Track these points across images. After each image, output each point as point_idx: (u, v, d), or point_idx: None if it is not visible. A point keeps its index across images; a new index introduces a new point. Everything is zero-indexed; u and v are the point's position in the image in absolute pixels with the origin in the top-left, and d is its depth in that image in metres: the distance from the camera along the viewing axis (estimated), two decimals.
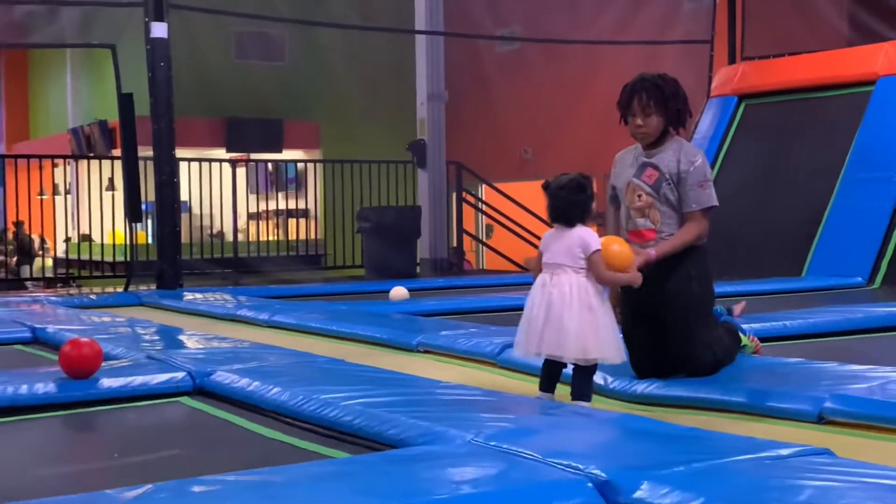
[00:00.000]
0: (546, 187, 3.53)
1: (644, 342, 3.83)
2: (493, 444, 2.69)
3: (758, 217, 9.31)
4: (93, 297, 8.56)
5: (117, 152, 11.22)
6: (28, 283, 12.18)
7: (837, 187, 9.02)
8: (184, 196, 11.05)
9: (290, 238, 13.15)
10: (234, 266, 11.72)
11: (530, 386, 3.86)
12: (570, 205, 3.47)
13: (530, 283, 3.58)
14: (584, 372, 3.50)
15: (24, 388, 3.77)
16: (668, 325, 3.81)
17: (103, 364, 4.11)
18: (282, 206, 14.00)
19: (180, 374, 4.03)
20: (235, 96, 16.17)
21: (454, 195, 12.96)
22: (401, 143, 12.84)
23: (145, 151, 9.36)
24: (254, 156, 15.62)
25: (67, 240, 15.50)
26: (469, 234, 13.48)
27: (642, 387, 3.74)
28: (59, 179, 16.60)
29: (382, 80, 16.18)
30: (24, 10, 16.30)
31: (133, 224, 9.59)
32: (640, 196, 3.85)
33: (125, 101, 9.11)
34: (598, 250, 3.44)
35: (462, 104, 14.89)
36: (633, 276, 3.57)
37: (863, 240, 8.54)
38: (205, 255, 11.76)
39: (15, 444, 3.34)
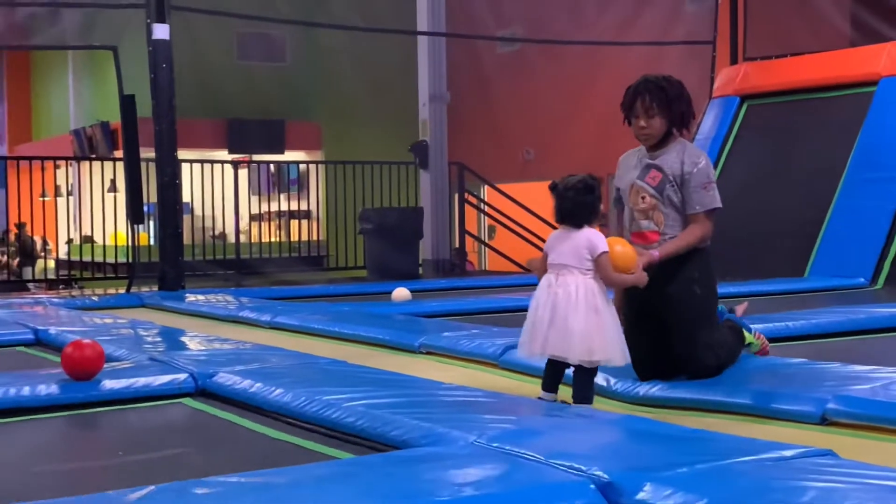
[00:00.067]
0: (553, 188, 3.52)
1: (647, 344, 3.83)
2: (495, 445, 2.69)
3: (760, 218, 9.30)
4: (95, 298, 8.56)
5: (119, 154, 11.24)
6: (30, 285, 12.19)
7: (840, 188, 9.01)
8: (186, 197, 11.04)
9: (292, 239, 13.15)
10: (236, 267, 11.73)
11: (532, 387, 3.86)
12: (577, 206, 3.46)
13: (533, 284, 3.58)
14: (586, 374, 3.49)
15: (26, 390, 3.78)
16: (671, 327, 3.81)
17: (105, 366, 4.10)
18: (284, 207, 14.00)
19: (182, 376, 4.03)
20: (237, 97, 16.19)
21: (456, 196, 12.96)
22: (403, 144, 12.84)
23: (147, 153, 9.37)
24: (256, 157, 15.63)
25: (69, 241, 15.51)
26: (471, 235, 13.48)
27: (645, 388, 3.74)
28: (61, 181, 16.60)
29: (384, 81, 16.19)
30: (27, 12, 16.31)
31: (135, 225, 9.59)
32: (643, 198, 3.85)
33: (127, 103, 9.12)
34: (606, 252, 3.43)
35: (464, 105, 14.90)
36: (640, 277, 3.57)
37: (865, 240, 8.53)
38: (207, 257, 11.76)
39: (17, 445, 3.34)
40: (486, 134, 15.85)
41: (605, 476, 2.34)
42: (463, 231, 12.99)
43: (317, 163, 14.20)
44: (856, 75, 9.50)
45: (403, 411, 3.16)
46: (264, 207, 15.51)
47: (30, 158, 11.69)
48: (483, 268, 15.88)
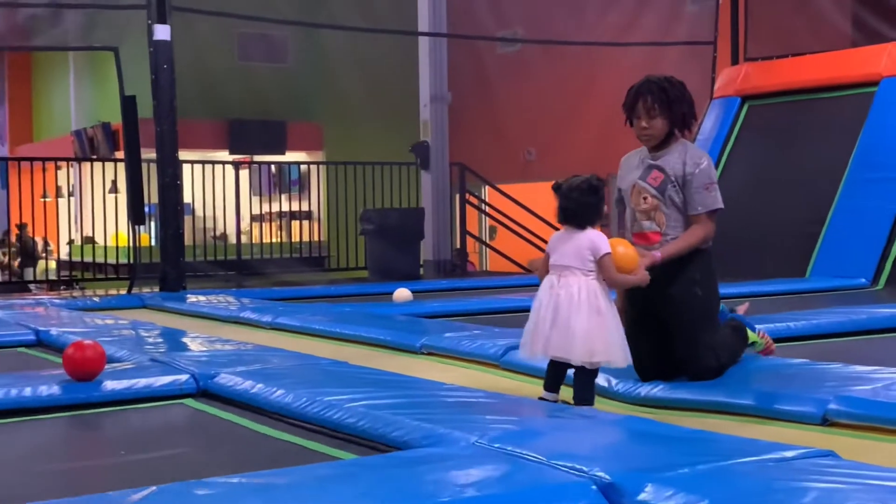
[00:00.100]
0: (557, 188, 3.52)
1: (648, 345, 3.83)
2: (496, 446, 2.69)
3: (761, 218, 9.30)
4: (96, 299, 8.56)
5: (120, 154, 11.23)
6: (31, 286, 12.20)
7: (841, 188, 9.01)
8: (187, 198, 11.05)
9: (293, 240, 13.15)
10: (238, 268, 11.73)
11: (534, 388, 3.86)
12: (581, 207, 3.47)
13: (534, 285, 3.58)
14: (587, 375, 3.49)
15: (27, 391, 3.78)
16: (672, 329, 3.81)
17: (107, 366, 4.11)
18: (285, 207, 14.01)
19: (184, 377, 4.03)
20: (238, 98, 16.19)
21: (457, 197, 12.96)
22: (404, 145, 12.84)
23: (148, 154, 9.37)
24: (257, 158, 15.64)
25: (70, 242, 15.51)
26: (472, 236, 13.48)
27: (646, 389, 3.74)
28: (62, 182, 16.63)
29: (385, 81, 16.19)
30: (28, 13, 16.32)
31: (136, 226, 9.59)
32: (645, 198, 3.85)
33: (128, 104, 9.12)
34: (609, 253, 3.43)
35: (465, 106, 14.90)
36: (642, 277, 3.57)
37: (867, 241, 8.53)
38: (208, 258, 11.77)
39: (19, 446, 3.34)
40: (487, 134, 15.85)
41: (607, 477, 2.34)
42: (464, 232, 12.99)
43: (318, 163, 14.20)
44: (857, 76, 9.50)
45: (405, 412, 3.16)
46: (265, 208, 15.51)
47: (31, 159, 11.70)
48: (484, 268, 15.89)
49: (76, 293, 10.31)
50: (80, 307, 7.79)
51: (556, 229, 3.62)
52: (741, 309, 4.33)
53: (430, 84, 12.30)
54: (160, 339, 5.38)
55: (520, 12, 15.08)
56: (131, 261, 9.90)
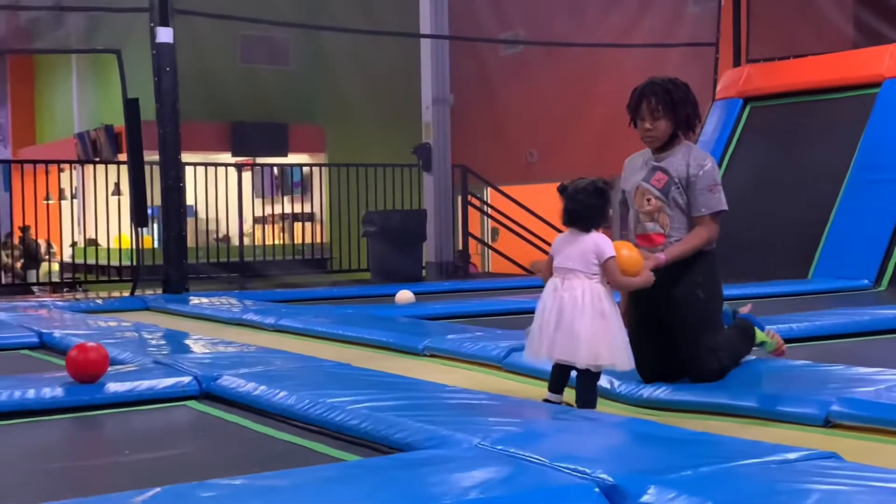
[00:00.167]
0: (563, 190, 3.52)
1: (651, 347, 3.83)
2: (499, 448, 2.70)
3: (764, 219, 9.30)
4: (99, 301, 8.57)
5: (123, 157, 11.25)
6: (34, 288, 12.21)
7: (843, 189, 9.01)
8: (190, 200, 11.07)
9: (295, 242, 13.17)
10: (240, 270, 11.74)
11: (536, 390, 3.87)
12: (587, 209, 3.47)
13: (536, 287, 3.59)
14: (590, 378, 3.50)
15: (31, 393, 3.78)
16: (675, 331, 3.81)
17: (110, 369, 4.11)
18: (287, 209, 14.02)
19: (186, 379, 4.03)
20: (241, 101, 16.20)
21: (459, 198, 12.97)
22: (406, 147, 12.86)
23: (151, 156, 9.39)
24: (259, 160, 15.65)
25: (74, 244, 15.53)
26: (474, 238, 13.49)
27: (649, 391, 3.74)
28: (65, 184, 16.64)
29: (387, 83, 16.20)
30: (30, 16, 16.35)
31: (139, 228, 9.60)
32: (649, 200, 3.85)
33: (131, 107, 9.13)
34: (613, 257, 3.44)
35: (467, 108, 14.91)
36: (646, 279, 3.57)
37: (869, 242, 8.52)
38: (211, 260, 11.78)
39: (22, 447, 3.34)
40: (489, 136, 15.86)
41: (610, 479, 2.34)
42: (466, 233, 13.00)
43: (320, 165, 14.23)
44: (859, 77, 9.49)
45: (407, 414, 3.16)
46: (268, 210, 15.51)
47: (34, 162, 11.72)
48: (486, 270, 15.89)
49: (79, 295, 10.32)
50: (83, 309, 7.79)
51: (559, 231, 3.62)
52: (743, 311, 4.33)
53: (432, 86, 12.31)
54: (163, 342, 5.38)
55: (521, 14, 15.09)
56: (134, 263, 9.92)
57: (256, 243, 13.52)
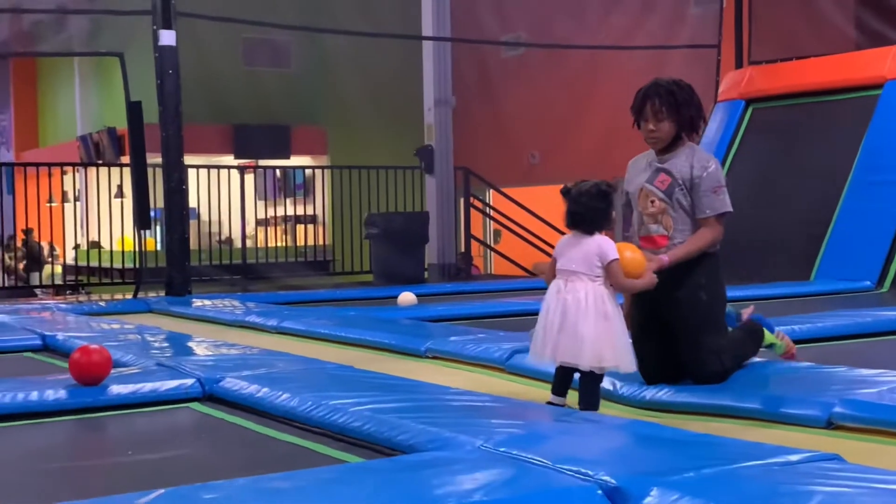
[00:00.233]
0: (566, 193, 3.52)
1: (653, 348, 3.83)
2: (502, 450, 2.70)
3: (766, 221, 9.29)
4: (102, 304, 8.58)
5: (126, 159, 11.26)
6: (37, 291, 12.23)
7: (845, 191, 9.00)
8: (192, 203, 11.07)
9: (298, 244, 13.18)
10: (243, 272, 11.75)
11: (539, 392, 3.87)
12: (590, 212, 3.47)
13: (539, 289, 3.59)
14: (592, 380, 3.50)
15: (34, 395, 3.79)
16: (677, 333, 3.81)
17: (113, 371, 4.12)
18: (290, 212, 14.03)
19: (190, 381, 4.04)
20: (243, 103, 16.22)
21: (462, 200, 12.97)
22: (408, 149, 12.86)
23: (154, 158, 9.40)
24: (262, 162, 15.66)
25: (77, 247, 15.55)
26: (477, 240, 13.48)
27: (651, 393, 3.74)
28: (68, 187, 16.66)
29: (389, 86, 16.21)
30: (33, 19, 16.37)
31: (142, 231, 9.61)
32: (652, 202, 3.85)
33: (134, 110, 9.14)
34: (617, 259, 3.44)
35: (469, 110, 14.91)
36: (650, 281, 3.58)
37: (871, 243, 8.52)
38: (213, 262, 11.78)
39: (25, 449, 3.35)
40: (491, 138, 15.86)
41: (612, 481, 2.34)
42: (468, 235, 13.00)
43: (323, 168, 14.24)
44: (861, 78, 9.49)
45: (410, 416, 3.17)
46: (270, 212, 15.51)
47: (37, 164, 11.73)
48: (489, 272, 15.89)
49: (82, 298, 10.33)
50: (86, 312, 7.80)
51: (561, 233, 3.62)
52: (746, 312, 4.33)
53: (434, 88, 12.32)
54: (166, 344, 5.39)
55: (523, 16, 15.09)
56: (137, 265, 9.93)
57: (259, 245, 13.52)
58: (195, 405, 3.93)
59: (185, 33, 9.43)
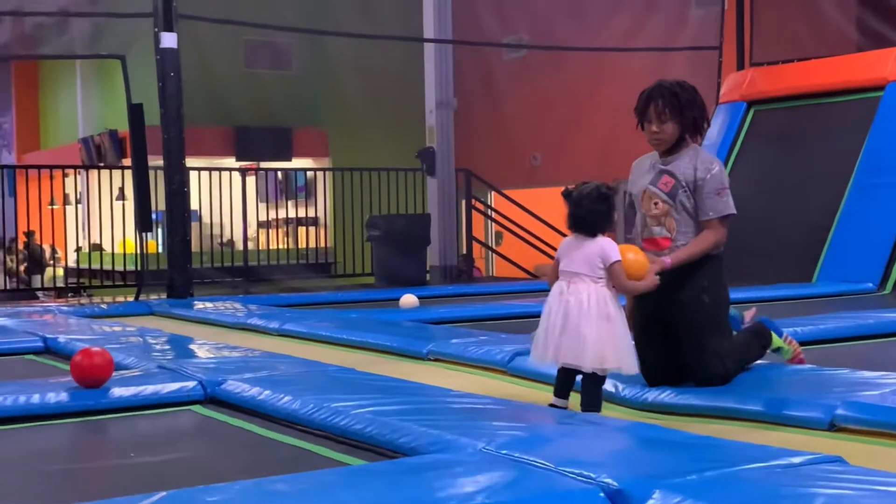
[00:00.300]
0: (568, 195, 3.52)
1: (656, 351, 3.83)
2: (504, 452, 2.70)
3: (768, 223, 9.29)
4: (104, 306, 8.58)
5: (128, 162, 11.27)
6: (39, 293, 12.23)
7: (847, 193, 9.00)
8: (194, 205, 11.08)
9: (299, 246, 13.17)
10: (245, 275, 11.75)
11: (541, 394, 3.87)
12: (592, 214, 3.47)
13: (541, 291, 3.60)
14: (595, 382, 3.50)
15: (35, 398, 3.79)
16: (680, 335, 3.81)
17: (115, 373, 4.12)
18: (291, 214, 14.03)
19: (191, 384, 4.04)
20: (245, 105, 16.23)
21: (463, 202, 12.97)
22: (410, 151, 12.86)
23: (155, 161, 9.40)
24: (263, 164, 15.66)
25: (78, 249, 15.55)
26: (478, 242, 13.48)
27: (653, 395, 3.74)
28: (69, 189, 16.66)
29: (391, 88, 16.22)
30: (35, 22, 16.40)
31: (143, 233, 9.61)
32: (656, 203, 3.85)
33: (135, 112, 9.15)
34: (619, 261, 3.44)
35: (471, 111, 14.91)
36: (651, 283, 3.58)
37: (873, 245, 8.52)
38: (215, 264, 11.78)
39: (27, 451, 3.35)
40: (492, 140, 15.87)
41: (615, 483, 2.34)
42: (470, 237, 13.00)
43: (324, 170, 14.24)
44: (863, 80, 9.49)
45: (412, 418, 3.17)
46: (272, 214, 15.52)
47: (38, 167, 11.74)
48: (490, 274, 15.89)
49: (84, 300, 10.33)
50: (88, 314, 7.81)
51: (563, 235, 3.62)
52: (748, 314, 4.33)
53: (436, 90, 12.32)
54: (168, 346, 5.39)
55: (525, 18, 15.10)
56: (139, 268, 9.93)
57: (261, 248, 13.53)
58: (197, 408, 3.93)
59: (187, 36, 9.44)
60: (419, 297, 7.93)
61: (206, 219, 12.97)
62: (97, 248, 14.07)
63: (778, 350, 4.13)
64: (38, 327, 6.37)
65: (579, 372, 3.50)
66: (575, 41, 13.56)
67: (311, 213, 14.14)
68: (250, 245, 12.94)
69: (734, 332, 4.02)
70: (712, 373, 3.77)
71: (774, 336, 4.11)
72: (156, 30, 8.94)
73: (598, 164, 12.56)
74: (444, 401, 3.54)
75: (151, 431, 3.69)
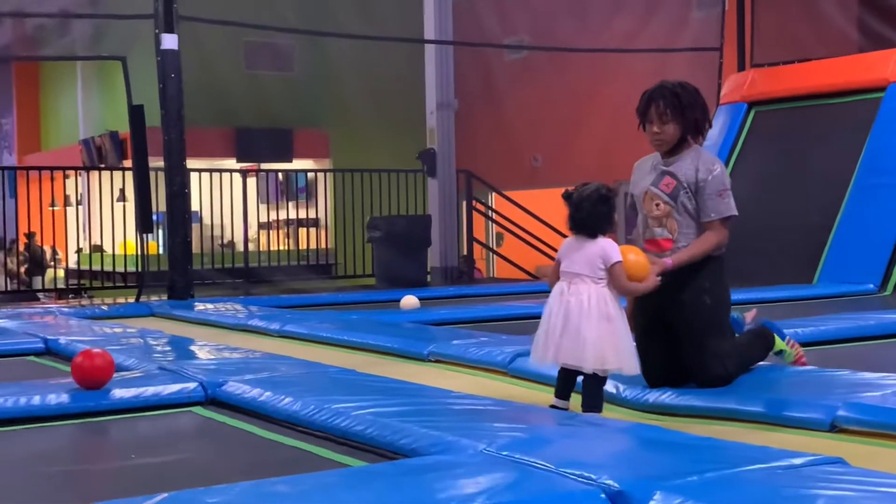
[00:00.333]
0: (568, 197, 3.53)
1: (657, 352, 3.83)
2: (505, 454, 2.70)
3: (768, 224, 9.28)
4: (104, 307, 8.59)
5: (128, 163, 11.27)
6: (40, 295, 12.24)
7: (848, 194, 9.00)
8: (195, 206, 11.07)
9: (300, 247, 13.17)
10: (245, 276, 11.75)
11: (542, 395, 3.87)
12: (592, 216, 3.48)
13: (542, 292, 3.60)
14: (596, 382, 3.50)
15: (36, 399, 3.79)
16: (681, 336, 3.81)
17: (115, 375, 4.12)
18: (292, 215, 14.02)
19: (192, 385, 4.04)
20: (245, 107, 16.23)
21: (464, 204, 12.97)
22: (411, 152, 12.86)
23: (156, 162, 9.40)
24: (264, 165, 15.66)
25: (79, 251, 15.55)
26: (479, 243, 13.48)
27: (654, 396, 3.74)
28: (70, 191, 16.67)
29: (392, 89, 16.22)
30: (36, 23, 16.40)
31: (144, 235, 9.62)
32: (657, 205, 3.85)
33: (136, 113, 9.15)
34: (620, 262, 3.44)
35: (472, 113, 14.92)
36: (652, 285, 3.57)
37: (874, 246, 8.51)
38: (216, 266, 11.78)
39: (28, 453, 3.35)
40: (493, 141, 15.87)
41: (616, 485, 2.34)
42: (471, 238, 13.00)
43: (325, 171, 14.24)
44: (864, 81, 9.49)
45: (413, 420, 3.17)
46: (273, 216, 15.53)
47: (39, 168, 11.74)
48: (491, 275, 15.89)
49: (84, 302, 10.34)
50: (89, 316, 7.81)
51: (564, 236, 3.62)
52: (749, 316, 4.33)
53: (437, 91, 12.32)
54: (168, 348, 5.39)
55: (526, 19, 15.10)
56: (139, 269, 9.93)
57: (261, 249, 13.53)
58: (198, 409, 3.93)
59: (188, 37, 9.44)
60: (420, 299, 7.93)
61: (206, 220, 12.97)
62: (98, 249, 14.06)
63: (780, 353, 4.13)
64: (39, 328, 6.37)
65: (580, 373, 3.50)
66: (576, 42, 13.56)
67: (312, 215, 14.15)
68: (251, 246, 12.94)
69: (737, 335, 4.02)
70: (713, 374, 3.77)
71: (777, 338, 4.10)
72: (156, 31, 8.94)
73: (599, 165, 12.55)
74: (445, 402, 3.54)
75: (152, 433, 3.69)
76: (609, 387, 3.68)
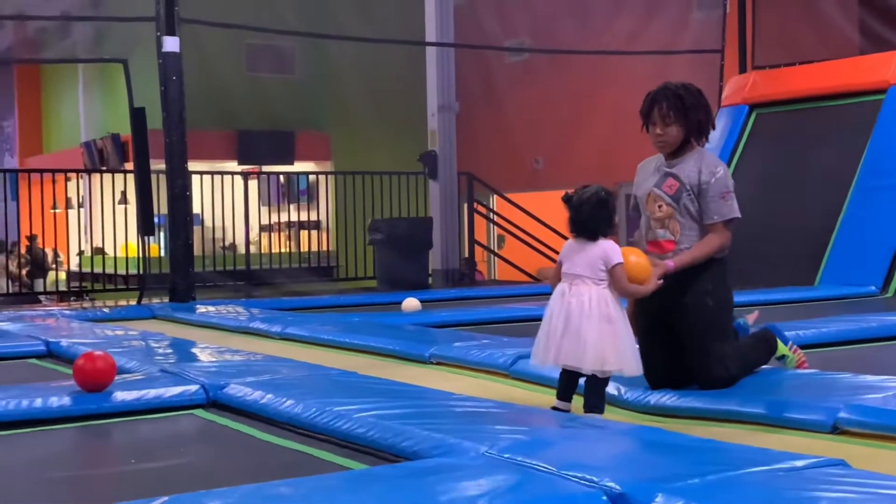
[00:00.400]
0: (568, 200, 3.53)
1: (659, 354, 3.83)
2: (506, 456, 2.69)
3: (770, 226, 9.28)
4: (106, 310, 8.59)
5: (130, 166, 11.28)
6: (41, 297, 12.24)
7: (850, 195, 9.00)
8: (196, 209, 11.09)
9: (302, 250, 13.17)
10: (247, 278, 11.75)
11: (543, 397, 3.86)
12: (592, 219, 3.48)
13: (543, 294, 3.60)
14: (597, 383, 3.50)
15: (38, 402, 3.79)
16: (683, 338, 3.80)
17: (117, 377, 4.12)
18: (294, 217, 14.02)
19: (194, 387, 4.04)
20: (247, 109, 16.24)
21: (465, 206, 12.97)
22: (412, 155, 12.86)
23: (158, 164, 9.41)
24: (265, 168, 15.68)
25: (80, 253, 15.55)
26: (481, 245, 13.48)
27: (656, 398, 3.74)
28: (72, 193, 16.68)
29: (393, 91, 16.23)
30: (38, 26, 16.42)
31: (146, 237, 9.62)
32: (660, 206, 3.85)
33: (137, 116, 9.16)
34: (621, 263, 3.45)
35: (473, 115, 14.92)
36: (654, 287, 3.57)
37: (876, 248, 8.51)
38: (217, 268, 11.79)
39: (29, 455, 3.35)
40: (494, 143, 15.87)
41: (617, 487, 2.34)
42: (472, 241, 13.00)
43: (326, 173, 14.24)
44: (865, 83, 9.49)
45: (414, 422, 3.16)
46: (274, 218, 15.54)
47: (41, 171, 11.75)
48: (492, 277, 15.88)
49: (86, 304, 10.34)
50: (91, 318, 7.81)
51: (565, 238, 3.63)
52: (750, 318, 4.33)
53: (438, 93, 12.32)
54: (170, 350, 5.39)
55: (526, 21, 15.11)
56: (141, 271, 9.93)
57: (263, 251, 13.54)
58: (199, 412, 3.93)
59: (189, 40, 9.45)
60: (421, 301, 7.93)
61: (208, 222, 12.99)
62: (99, 251, 14.06)
63: (782, 358, 4.12)
64: (41, 331, 6.37)
65: (582, 374, 3.50)
66: (577, 44, 13.56)
67: (314, 217, 14.15)
68: (252, 249, 12.94)
69: (742, 338, 4.02)
70: (715, 376, 3.76)
71: (780, 343, 4.10)
72: (158, 34, 8.95)
73: (601, 167, 12.56)
74: (447, 404, 3.54)
75: (154, 435, 3.69)
76: (611, 388, 3.68)
